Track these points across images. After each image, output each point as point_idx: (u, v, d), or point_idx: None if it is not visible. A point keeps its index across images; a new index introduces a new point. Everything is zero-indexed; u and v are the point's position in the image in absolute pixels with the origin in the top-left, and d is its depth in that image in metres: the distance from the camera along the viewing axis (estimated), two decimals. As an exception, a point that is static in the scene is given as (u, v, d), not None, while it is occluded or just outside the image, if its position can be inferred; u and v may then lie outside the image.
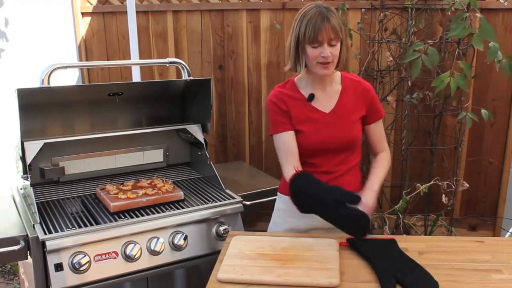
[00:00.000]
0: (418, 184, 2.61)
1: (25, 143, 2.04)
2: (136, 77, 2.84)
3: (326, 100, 1.79)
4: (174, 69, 3.40)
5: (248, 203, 2.21)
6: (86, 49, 3.47)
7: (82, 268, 1.79)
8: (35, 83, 2.04)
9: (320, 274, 1.45)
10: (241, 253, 1.59)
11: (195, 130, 2.42)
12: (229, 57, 3.39)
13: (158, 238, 1.94)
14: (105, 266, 1.84)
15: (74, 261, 1.78)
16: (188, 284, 2.08)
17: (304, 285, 1.42)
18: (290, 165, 1.71)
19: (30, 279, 1.90)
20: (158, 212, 2.03)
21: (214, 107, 3.42)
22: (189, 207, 2.09)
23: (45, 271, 1.80)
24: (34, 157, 2.05)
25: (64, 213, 2.02)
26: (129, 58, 2.93)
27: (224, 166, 3.13)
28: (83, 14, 3.40)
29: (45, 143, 2.08)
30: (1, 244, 1.80)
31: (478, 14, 2.33)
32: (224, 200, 2.16)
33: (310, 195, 1.61)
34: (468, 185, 2.76)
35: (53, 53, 3.22)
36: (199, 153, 2.50)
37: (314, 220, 1.65)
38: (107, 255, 1.85)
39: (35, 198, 1.99)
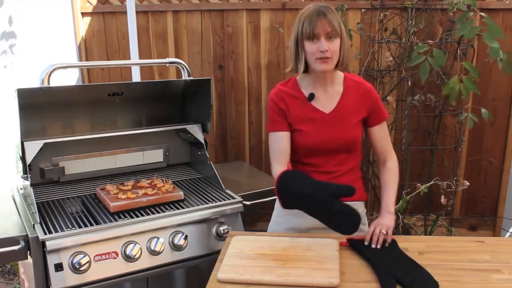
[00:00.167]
0: (418, 184, 2.61)
1: (25, 143, 2.04)
2: (136, 77, 2.83)
3: (327, 101, 1.79)
4: (174, 69, 3.40)
5: (248, 203, 2.21)
6: (86, 49, 3.47)
7: (82, 268, 1.79)
8: (35, 83, 2.04)
9: (320, 274, 1.45)
10: (241, 253, 1.59)
11: (195, 130, 2.42)
12: (229, 57, 3.39)
13: (158, 238, 1.94)
14: (105, 266, 1.84)
15: (74, 261, 1.78)
16: (188, 284, 2.08)
17: (304, 285, 1.42)
18: (279, 165, 1.74)
19: (30, 279, 1.90)
20: (158, 212, 2.03)
21: (214, 107, 3.42)
22: (189, 207, 2.09)
23: (45, 271, 1.80)
24: (34, 157, 2.05)
25: (64, 213, 2.02)
26: (129, 58, 2.93)
27: (224, 166, 3.13)
28: (83, 14, 3.40)
29: (45, 143, 2.08)
30: (1, 244, 1.80)
31: (482, 14, 2.34)
32: (224, 200, 2.16)
33: (298, 191, 1.59)
34: (468, 184, 2.76)
35: (53, 53, 3.22)
36: (199, 153, 2.50)
37: (315, 219, 1.65)
38: (107, 255, 1.85)
39: (35, 198, 1.99)
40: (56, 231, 1.83)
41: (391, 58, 2.80)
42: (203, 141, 2.43)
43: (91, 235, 1.84)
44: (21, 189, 2.29)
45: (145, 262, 1.91)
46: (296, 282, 1.42)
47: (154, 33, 3.39)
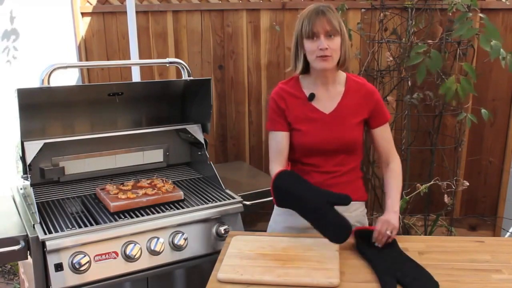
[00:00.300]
0: (418, 184, 2.61)
1: (25, 143, 2.04)
2: (136, 77, 2.83)
3: (328, 101, 1.79)
4: (174, 69, 3.40)
5: (248, 203, 2.21)
6: (86, 49, 3.47)
7: (82, 268, 1.79)
8: (35, 83, 2.04)
9: (320, 274, 1.45)
10: (241, 253, 1.59)
11: (195, 130, 2.42)
12: (229, 57, 3.39)
13: (158, 238, 1.93)
14: (105, 266, 1.84)
15: (74, 261, 1.78)
16: (188, 284, 2.08)
17: (304, 285, 1.42)
18: (277, 164, 1.78)
19: (30, 279, 1.90)
20: (158, 212, 2.03)
21: (214, 107, 3.42)
22: (189, 207, 2.09)
23: (45, 271, 1.80)
24: (34, 157, 2.05)
25: (64, 213, 2.02)
26: (129, 58, 2.93)
27: (224, 166, 3.13)
28: (83, 14, 3.40)
29: (45, 143, 2.08)
30: (1, 244, 1.79)
31: (481, 15, 2.33)
32: (224, 200, 2.16)
33: (293, 192, 1.62)
34: (468, 184, 2.76)
35: (53, 53, 3.22)
36: (199, 153, 2.50)
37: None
38: (107, 255, 1.85)
39: (35, 198, 1.99)
40: (56, 231, 1.83)
41: (391, 58, 2.80)
42: (203, 141, 2.43)
43: (91, 235, 1.84)
44: (21, 189, 2.29)
45: (145, 262, 1.91)
46: (296, 282, 1.42)
47: (154, 33, 3.39)
